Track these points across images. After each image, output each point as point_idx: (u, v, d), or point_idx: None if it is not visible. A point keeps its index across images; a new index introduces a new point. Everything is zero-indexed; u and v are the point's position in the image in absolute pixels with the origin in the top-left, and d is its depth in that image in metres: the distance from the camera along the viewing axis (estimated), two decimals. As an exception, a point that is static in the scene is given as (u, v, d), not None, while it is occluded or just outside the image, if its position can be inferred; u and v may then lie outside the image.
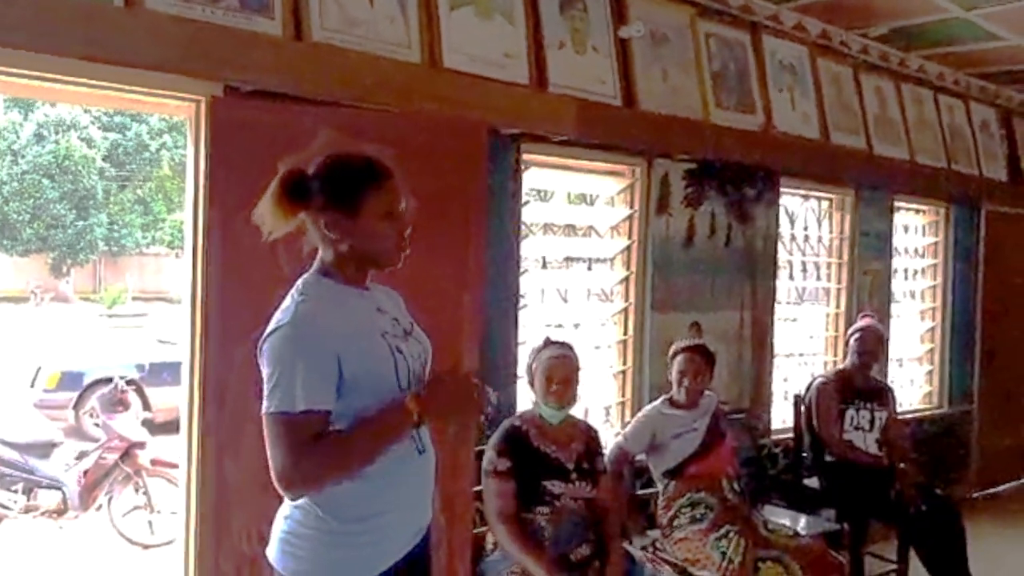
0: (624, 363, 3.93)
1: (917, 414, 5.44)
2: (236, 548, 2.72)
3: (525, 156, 3.49)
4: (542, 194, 4.10)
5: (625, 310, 3.94)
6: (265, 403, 1.68)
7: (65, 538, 5.27)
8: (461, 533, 3.08)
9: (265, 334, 1.72)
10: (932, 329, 5.64)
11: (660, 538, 3.32)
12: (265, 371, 1.70)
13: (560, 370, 2.89)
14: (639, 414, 3.53)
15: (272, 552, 1.82)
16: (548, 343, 2.97)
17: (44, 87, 2.61)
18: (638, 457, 3.46)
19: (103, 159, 26.66)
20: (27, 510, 5.19)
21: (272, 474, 1.67)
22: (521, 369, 3.49)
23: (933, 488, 3.96)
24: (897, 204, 5.25)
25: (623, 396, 3.94)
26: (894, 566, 3.92)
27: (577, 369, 2.95)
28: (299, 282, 1.80)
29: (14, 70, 2.43)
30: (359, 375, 1.72)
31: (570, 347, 2.98)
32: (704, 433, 3.38)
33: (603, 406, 3.95)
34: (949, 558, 3.77)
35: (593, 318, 4.04)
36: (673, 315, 3.98)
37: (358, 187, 1.78)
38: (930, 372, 5.65)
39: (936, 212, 5.62)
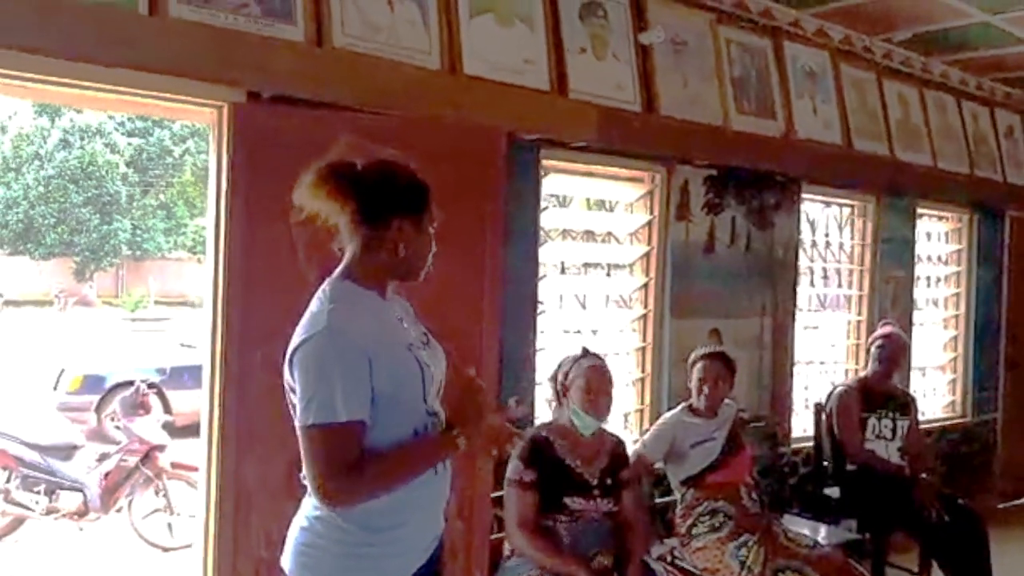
0: (643, 370, 3.92)
1: (940, 423, 5.37)
2: (254, 551, 2.73)
3: (544, 162, 3.49)
4: (561, 200, 4.10)
5: (644, 316, 3.92)
6: (302, 415, 1.65)
7: (86, 540, 5.30)
8: (479, 539, 3.07)
9: (297, 344, 1.68)
10: (955, 337, 5.57)
11: (678, 546, 3.30)
12: (299, 382, 1.66)
13: (601, 380, 2.87)
14: (658, 421, 3.51)
15: (287, 562, 1.80)
16: (586, 353, 2.95)
17: (69, 93, 2.64)
18: (656, 465, 3.45)
19: (126, 164, 27.02)
20: (49, 511, 5.22)
21: (311, 487, 1.66)
22: (540, 375, 3.48)
23: (956, 498, 3.90)
24: (920, 210, 5.20)
25: (642, 403, 3.92)
26: (916, 577, 3.88)
27: (613, 381, 2.94)
28: (326, 287, 1.77)
29: (40, 76, 2.47)
30: (388, 385, 1.70)
31: (604, 359, 2.98)
32: (723, 443, 3.35)
33: (622, 413, 3.93)
34: (972, 569, 3.72)
35: (612, 324, 4.03)
36: (692, 322, 3.96)
37: (423, 198, 1.82)
38: (953, 381, 5.58)
39: (959, 219, 5.57)
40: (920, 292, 5.36)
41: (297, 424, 1.67)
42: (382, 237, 1.77)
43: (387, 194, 1.77)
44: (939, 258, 5.64)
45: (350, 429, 1.64)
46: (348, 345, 1.66)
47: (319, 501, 1.67)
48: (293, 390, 1.70)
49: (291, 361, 1.69)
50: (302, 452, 1.66)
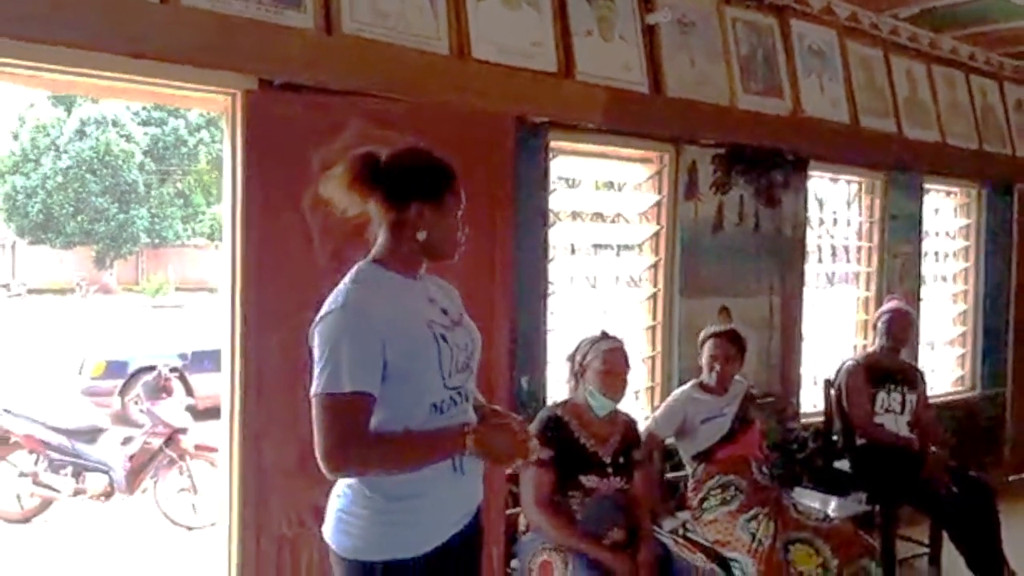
0: (653, 348, 3.96)
1: (949, 397, 5.39)
2: (276, 528, 2.80)
3: (553, 144, 3.51)
4: (570, 181, 4.13)
5: (654, 296, 3.96)
6: (313, 385, 1.74)
7: (113, 520, 5.42)
8: (495, 515, 3.12)
9: (317, 320, 1.79)
10: (964, 312, 5.57)
11: (690, 520, 3.35)
12: (317, 355, 1.77)
13: (619, 362, 2.92)
14: (669, 398, 3.56)
15: (327, 530, 1.90)
16: (605, 336, 2.99)
17: (84, 83, 2.69)
18: (667, 440, 3.50)
19: (143, 154, 27.18)
20: (76, 493, 5.34)
21: (316, 452, 1.74)
22: (551, 356, 3.54)
23: (965, 471, 3.93)
24: (928, 186, 5.18)
25: (652, 381, 3.97)
26: (926, 549, 3.92)
27: (630, 363, 2.98)
28: (355, 268, 1.87)
29: (56, 67, 2.52)
30: (402, 361, 1.78)
31: (623, 342, 3.02)
32: (733, 419, 3.40)
33: (633, 391, 3.98)
34: (982, 541, 3.74)
35: (622, 304, 4.07)
36: (702, 300, 3.99)
37: (443, 183, 1.89)
38: (962, 355, 5.59)
39: (967, 194, 5.55)
40: (928, 267, 5.35)
41: (311, 394, 1.76)
42: (405, 222, 1.86)
43: (407, 181, 1.85)
44: (947, 233, 5.62)
45: (355, 399, 1.73)
46: (360, 321, 1.75)
47: (323, 467, 1.75)
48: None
49: (311, 335, 1.79)
50: (313, 420, 1.75)
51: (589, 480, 2.86)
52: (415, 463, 1.81)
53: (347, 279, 1.84)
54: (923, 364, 4.90)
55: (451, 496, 1.90)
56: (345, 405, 1.72)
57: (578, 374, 2.99)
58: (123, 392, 8.40)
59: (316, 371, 1.75)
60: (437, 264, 1.96)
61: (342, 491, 1.88)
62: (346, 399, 1.72)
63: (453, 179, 1.91)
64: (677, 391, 3.56)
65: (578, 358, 2.99)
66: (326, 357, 1.74)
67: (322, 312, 1.79)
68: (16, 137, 26.62)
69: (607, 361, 2.91)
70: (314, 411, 1.74)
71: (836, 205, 4.99)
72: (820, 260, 5.08)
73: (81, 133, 26.02)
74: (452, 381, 1.87)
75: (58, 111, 26.28)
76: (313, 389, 1.74)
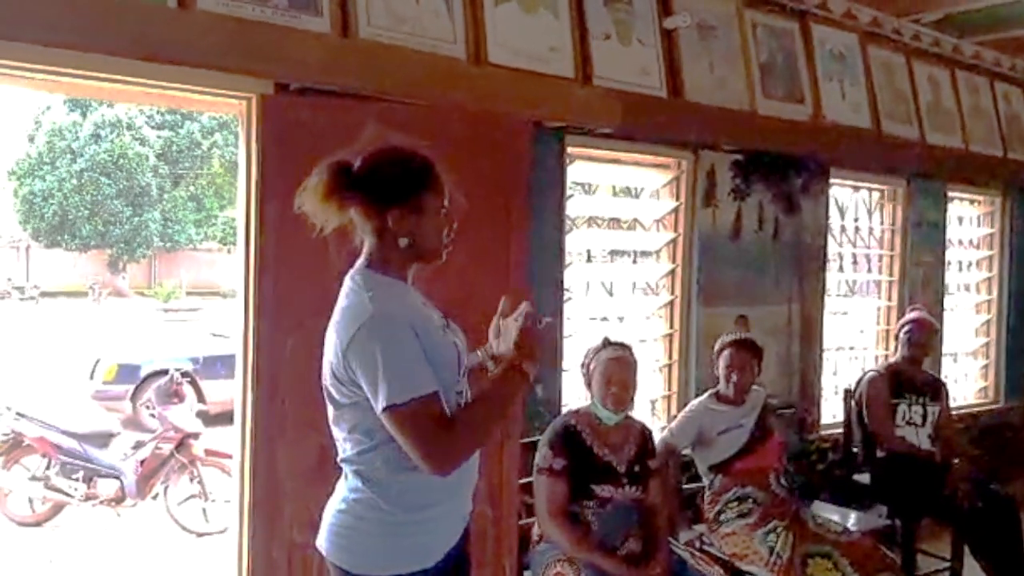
0: (670, 357, 3.92)
1: (972, 409, 5.33)
2: (288, 535, 2.78)
3: (570, 149, 3.49)
4: (587, 187, 4.10)
5: (671, 303, 3.92)
6: (384, 400, 1.66)
7: (123, 525, 5.42)
8: (507, 525, 3.10)
9: (350, 337, 1.69)
10: (987, 322, 5.51)
11: (706, 532, 3.31)
12: (362, 372, 1.68)
13: (619, 372, 2.87)
14: (685, 409, 3.51)
15: (324, 543, 1.84)
16: (607, 343, 2.94)
17: (101, 87, 2.68)
18: (684, 451, 3.45)
19: (157, 157, 27.37)
20: (87, 498, 5.35)
21: (420, 460, 1.68)
22: (567, 363, 3.50)
23: (988, 484, 3.86)
24: (951, 194, 5.14)
25: (669, 390, 3.93)
26: (948, 563, 3.85)
27: (636, 371, 2.93)
28: (356, 277, 1.79)
29: (73, 71, 2.51)
30: (433, 367, 1.72)
31: (629, 348, 2.96)
32: (751, 429, 3.34)
33: (649, 400, 3.94)
34: (1006, 556, 3.68)
35: (638, 312, 4.03)
36: (720, 308, 3.95)
37: (421, 184, 1.79)
38: (985, 366, 5.53)
39: (991, 202, 5.50)
40: (951, 277, 5.30)
41: (378, 410, 1.68)
42: (386, 229, 1.79)
43: (382, 187, 1.77)
44: (971, 242, 5.57)
45: (432, 398, 1.69)
46: (400, 325, 1.69)
47: (431, 470, 1.69)
48: (352, 382, 1.72)
49: (346, 355, 1.70)
50: (395, 434, 1.69)
51: (603, 490, 2.82)
52: (497, 420, 1.86)
53: (357, 289, 1.76)
54: (946, 375, 4.83)
55: (460, 502, 1.88)
56: (427, 406, 1.67)
57: (586, 383, 2.96)
58: (135, 396, 8.41)
59: (377, 387, 1.66)
60: (444, 268, 1.89)
61: (346, 503, 1.81)
62: (425, 400, 1.67)
63: (432, 177, 1.80)
64: (694, 402, 3.51)
65: (585, 367, 2.96)
66: (383, 368, 1.66)
67: (353, 328, 1.69)
68: (32, 140, 26.87)
69: (607, 370, 2.87)
70: (395, 423, 1.67)
71: (858, 213, 4.93)
72: (841, 269, 5.03)
73: (96, 136, 26.24)
74: (460, 384, 1.85)
75: (74, 115, 26.51)
76: (383, 403, 1.66)
